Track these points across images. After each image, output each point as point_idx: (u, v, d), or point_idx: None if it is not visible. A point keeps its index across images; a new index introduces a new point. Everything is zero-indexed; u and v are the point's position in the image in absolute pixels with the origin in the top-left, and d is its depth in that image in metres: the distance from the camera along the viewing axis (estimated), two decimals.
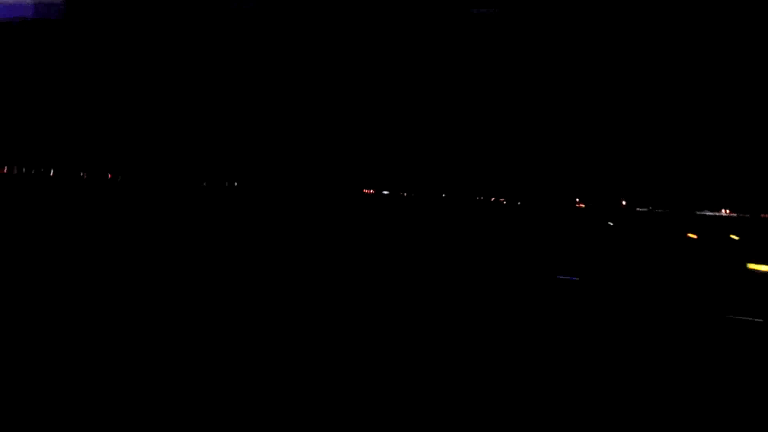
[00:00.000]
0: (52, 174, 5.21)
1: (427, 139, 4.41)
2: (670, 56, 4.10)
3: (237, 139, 4.57)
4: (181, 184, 4.76)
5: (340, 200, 4.34)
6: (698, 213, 4.09)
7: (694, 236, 4.15)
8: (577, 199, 4.09)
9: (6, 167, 5.48)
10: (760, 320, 3.25)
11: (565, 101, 4.15)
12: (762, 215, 4.11)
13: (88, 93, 5.16)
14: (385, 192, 4.24)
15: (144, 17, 4.92)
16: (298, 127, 4.65)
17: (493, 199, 4.35)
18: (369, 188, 4.17)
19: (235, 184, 4.54)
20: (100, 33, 5.04)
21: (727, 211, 3.93)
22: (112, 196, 4.96)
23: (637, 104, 4.03)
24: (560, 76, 4.21)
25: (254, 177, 4.66)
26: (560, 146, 4.16)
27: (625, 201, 4.19)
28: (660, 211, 4.19)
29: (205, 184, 4.62)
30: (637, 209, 4.21)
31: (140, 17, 4.95)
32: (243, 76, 4.54)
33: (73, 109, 5.16)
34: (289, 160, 4.60)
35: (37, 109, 5.29)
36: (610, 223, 4.36)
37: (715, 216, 4.04)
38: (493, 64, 4.35)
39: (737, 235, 4.16)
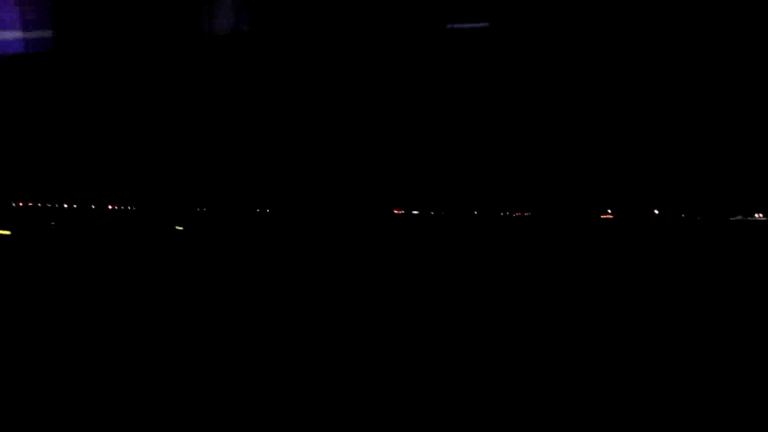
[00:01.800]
0: (39, 206, 5.04)
1: (451, 157, 4.36)
2: (688, 55, 4.11)
3: (255, 162, 4.43)
4: (189, 212, 4.60)
5: (373, 221, 4.25)
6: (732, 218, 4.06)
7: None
8: (609, 210, 4.04)
9: None
10: None
11: (593, 109, 4.12)
12: None
13: (77, 123, 5.03)
14: (415, 212, 4.19)
15: (128, 47, 4.82)
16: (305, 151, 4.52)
17: (518, 213, 4.32)
18: (399, 209, 4.10)
19: (258, 210, 4.38)
20: (88, 65, 4.93)
21: (761, 215, 3.90)
22: (107, 227, 4.79)
23: (668, 105, 4.01)
24: (581, 82, 4.20)
25: (277, 202, 4.53)
26: (587, 155, 4.13)
27: (658, 210, 4.14)
28: (692, 217, 4.16)
29: (228, 209, 4.46)
30: (670, 217, 4.16)
31: (124, 47, 4.85)
32: (245, 92, 4.42)
33: (61, 139, 5.00)
34: (312, 186, 4.50)
35: (28, 141, 5.12)
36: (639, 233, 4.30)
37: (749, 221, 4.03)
38: (508, 73, 4.32)
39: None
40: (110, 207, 5.50)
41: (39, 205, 5.80)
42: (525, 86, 4.68)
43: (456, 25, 4.67)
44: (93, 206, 5.75)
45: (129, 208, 5.49)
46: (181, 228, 5.26)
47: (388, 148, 4.78)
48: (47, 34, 4.67)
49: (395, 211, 4.66)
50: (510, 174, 4.68)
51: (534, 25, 4.66)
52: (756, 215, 4.00)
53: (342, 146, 4.82)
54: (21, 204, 5.78)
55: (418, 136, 4.74)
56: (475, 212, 4.41)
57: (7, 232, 5.03)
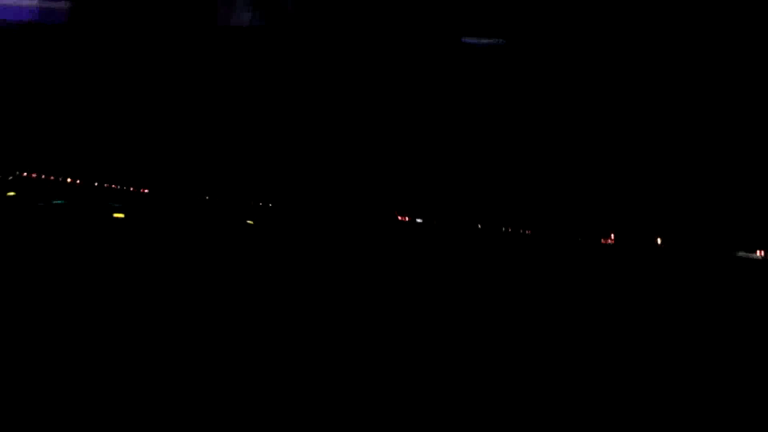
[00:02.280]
0: (51, 179, 4.96)
1: (457, 170, 4.34)
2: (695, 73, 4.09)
3: (258, 156, 4.38)
4: (192, 200, 4.54)
5: (376, 227, 4.22)
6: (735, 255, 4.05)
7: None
8: (612, 235, 4.04)
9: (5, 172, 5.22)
10: None
11: (602, 127, 4.10)
12: None
13: (89, 97, 4.96)
14: (419, 220, 4.19)
15: (141, 27, 4.78)
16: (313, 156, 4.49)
17: (520, 231, 4.32)
18: (403, 216, 4.10)
19: (260, 203, 4.32)
20: (101, 39, 4.87)
21: (762, 253, 3.90)
22: (111, 205, 4.73)
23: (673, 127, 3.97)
24: (594, 104, 4.17)
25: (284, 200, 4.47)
26: (592, 176, 4.12)
27: (661, 239, 4.12)
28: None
29: (230, 201, 4.38)
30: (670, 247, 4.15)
31: (139, 26, 4.80)
32: (255, 89, 4.37)
33: (72, 112, 4.93)
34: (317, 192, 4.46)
35: (38, 112, 5.05)
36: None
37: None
38: (521, 89, 4.30)
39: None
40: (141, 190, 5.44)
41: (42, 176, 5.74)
42: (537, 103, 4.67)
43: (471, 40, 4.67)
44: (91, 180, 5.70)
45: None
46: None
47: (397, 154, 4.76)
48: (61, 5, 4.64)
49: (400, 218, 4.66)
50: (517, 191, 4.68)
51: (549, 43, 4.65)
52: (757, 253, 4.02)
53: (350, 150, 4.80)
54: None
55: (429, 146, 4.73)
56: (479, 225, 4.42)
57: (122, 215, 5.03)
